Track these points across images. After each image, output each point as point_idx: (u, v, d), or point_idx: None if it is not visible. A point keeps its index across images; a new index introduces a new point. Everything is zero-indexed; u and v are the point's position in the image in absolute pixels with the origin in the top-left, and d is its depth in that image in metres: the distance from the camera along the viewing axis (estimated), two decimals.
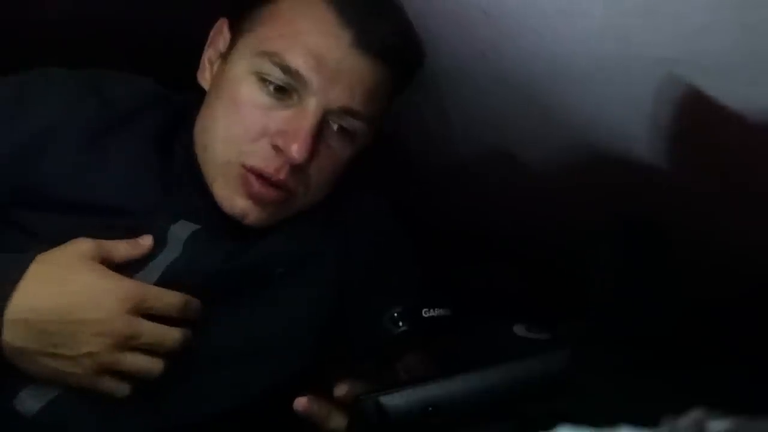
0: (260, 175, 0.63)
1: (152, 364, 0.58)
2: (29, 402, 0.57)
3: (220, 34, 0.68)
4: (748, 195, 0.55)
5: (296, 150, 0.61)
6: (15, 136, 0.63)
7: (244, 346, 0.65)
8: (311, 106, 0.61)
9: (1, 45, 0.81)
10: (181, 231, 0.65)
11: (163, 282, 0.61)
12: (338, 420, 0.56)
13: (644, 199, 0.64)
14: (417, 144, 0.90)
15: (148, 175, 0.66)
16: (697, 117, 0.52)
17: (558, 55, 0.57)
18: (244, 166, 0.63)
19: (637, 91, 0.54)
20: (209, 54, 0.69)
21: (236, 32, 0.66)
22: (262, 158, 0.62)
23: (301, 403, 0.56)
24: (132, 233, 0.62)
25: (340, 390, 0.56)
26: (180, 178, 0.67)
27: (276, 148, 0.62)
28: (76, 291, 0.56)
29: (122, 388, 0.57)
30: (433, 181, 0.95)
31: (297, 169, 0.63)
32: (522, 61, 0.62)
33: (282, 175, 0.62)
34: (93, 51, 0.73)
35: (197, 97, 0.68)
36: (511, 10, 0.58)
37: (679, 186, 0.59)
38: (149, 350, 0.58)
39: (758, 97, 0.47)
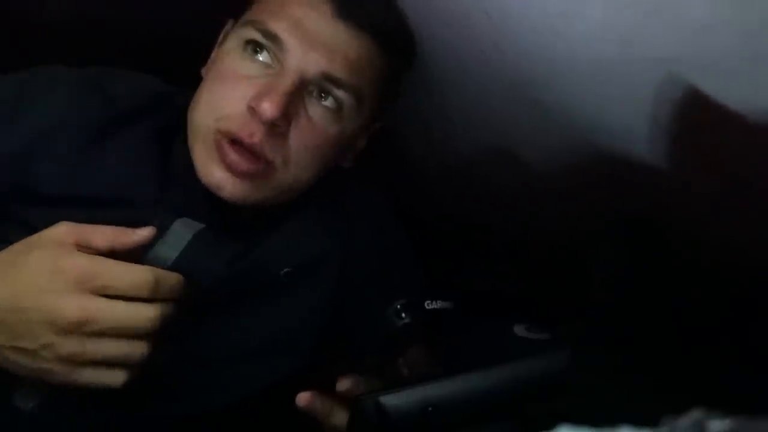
0: (235, 141, 0.61)
1: (128, 349, 0.50)
2: (27, 396, 0.57)
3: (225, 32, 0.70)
4: (748, 195, 0.55)
5: (267, 107, 0.59)
6: (16, 134, 0.63)
7: (247, 345, 0.66)
8: (288, 69, 0.61)
9: (2, 45, 0.81)
10: (183, 229, 0.64)
11: None
12: (340, 416, 0.56)
13: (644, 199, 0.64)
14: (417, 144, 0.90)
15: (149, 172, 0.66)
16: (697, 117, 0.51)
17: (558, 55, 0.57)
18: (219, 130, 0.62)
19: (637, 91, 0.54)
20: (215, 51, 0.70)
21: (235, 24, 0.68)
22: (238, 123, 0.61)
23: (303, 398, 0.56)
24: (132, 226, 0.61)
25: (343, 385, 0.56)
26: (180, 177, 0.67)
27: (251, 110, 0.61)
28: (25, 276, 0.49)
29: (114, 377, 0.50)
30: (433, 180, 0.95)
31: (272, 133, 0.61)
32: (523, 61, 0.62)
33: (256, 139, 0.61)
34: (95, 51, 0.73)
35: None
36: (513, 12, 0.58)
37: (679, 186, 0.59)
38: (123, 334, 0.50)
39: (758, 97, 0.47)
